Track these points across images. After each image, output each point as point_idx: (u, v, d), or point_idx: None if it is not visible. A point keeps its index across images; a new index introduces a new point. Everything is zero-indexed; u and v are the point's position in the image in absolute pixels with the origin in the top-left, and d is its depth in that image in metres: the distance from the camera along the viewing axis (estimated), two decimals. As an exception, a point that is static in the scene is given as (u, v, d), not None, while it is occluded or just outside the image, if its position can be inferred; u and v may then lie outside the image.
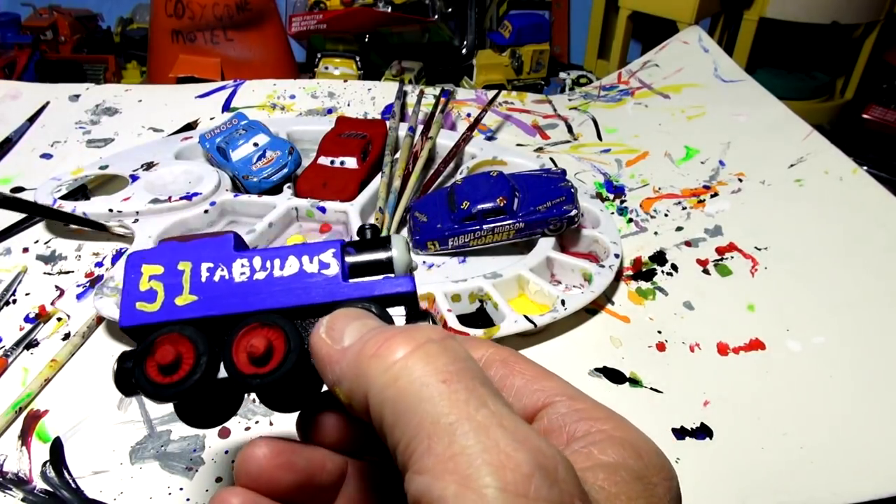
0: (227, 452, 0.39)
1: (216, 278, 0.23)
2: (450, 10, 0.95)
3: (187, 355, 0.22)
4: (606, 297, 0.51)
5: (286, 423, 0.40)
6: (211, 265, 0.23)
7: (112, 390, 0.30)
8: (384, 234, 0.54)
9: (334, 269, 0.23)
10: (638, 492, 0.18)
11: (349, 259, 0.23)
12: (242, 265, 0.23)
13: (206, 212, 0.56)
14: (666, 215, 0.61)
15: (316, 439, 0.23)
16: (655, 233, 0.58)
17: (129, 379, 0.22)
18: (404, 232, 0.55)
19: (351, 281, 0.23)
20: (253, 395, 0.34)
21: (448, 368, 0.17)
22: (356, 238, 0.25)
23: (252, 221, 0.56)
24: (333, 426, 0.23)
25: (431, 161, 0.66)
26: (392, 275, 0.23)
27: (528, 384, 0.22)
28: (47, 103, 0.74)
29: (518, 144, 0.73)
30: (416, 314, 0.23)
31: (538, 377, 0.22)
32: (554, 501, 0.15)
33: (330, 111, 0.76)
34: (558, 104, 0.82)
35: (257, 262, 0.23)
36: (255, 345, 0.21)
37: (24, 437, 0.40)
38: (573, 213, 0.52)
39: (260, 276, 0.23)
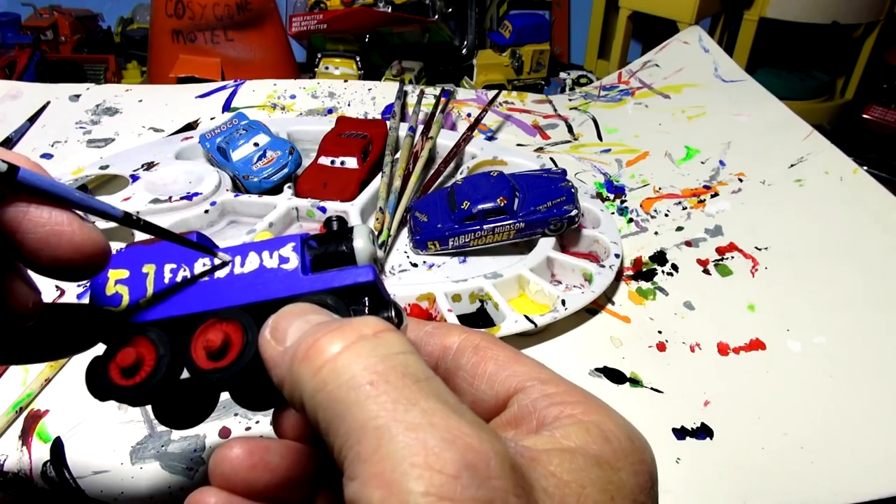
0: (227, 452, 0.39)
1: (178, 279, 0.23)
2: (450, 10, 0.95)
3: (148, 357, 0.22)
4: (607, 297, 0.51)
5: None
6: (174, 266, 0.23)
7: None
8: (383, 237, 0.54)
9: (294, 262, 0.22)
10: (593, 478, 0.17)
11: (312, 252, 0.23)
12: (204, 264, 0.23)
13: (206, 212, 0.56)
14: (666, 215, 0.61)
15: (290, 435, 0.23)
16: (656, 233, 0.58)
17: (99, 383, 0.22)
18: (371, 222, 0.54)
19: (311, 274, 0.22)
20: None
21: (377, 368, 0.16)
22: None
23: (252, 221, 0.56)
24: (304, 421, 0.23)
25: (432, 161, 0.66)
26: (356, 265, 0.23)
27: (500, 370, 0.21)
28: (48, 103, 0.74)
29: (518, 144, 0.73)
30: (379, 305, 0.22)
31: (510, 362, 0.21)
32: (483, 500, 0.15)
33: (330, 111, 0.76)
34: (558, 104, 0.82)
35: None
36: (211, 339, 0.21)
37: (25, 437, 0.40)
38: (573, 213, 0.52)
39: (221, 274, 0.23)
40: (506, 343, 0.23)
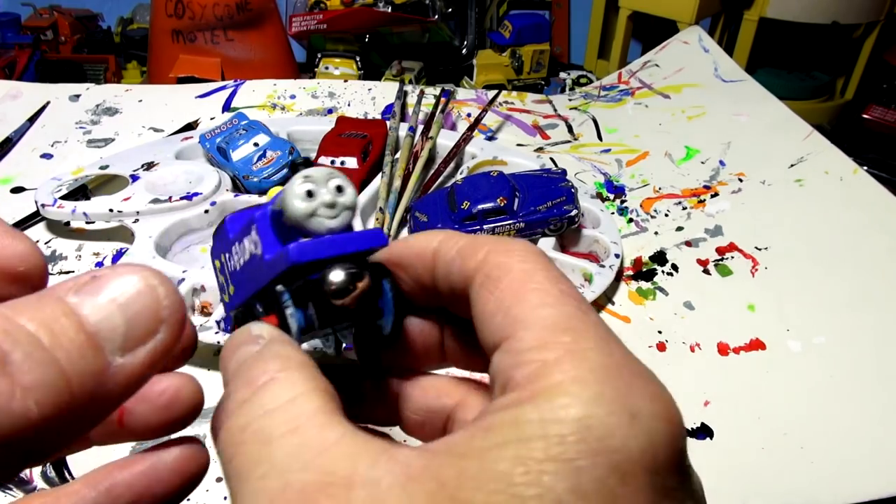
0: (227, 452, 0.39)
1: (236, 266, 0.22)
2: (450, 10, 0.95)
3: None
4: (607, 297, 0.51)
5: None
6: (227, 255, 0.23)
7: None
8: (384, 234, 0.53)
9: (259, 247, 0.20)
10: (589, 471, 0.13)
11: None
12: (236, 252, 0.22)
13: (206, 212, 0.55)
14: (666, 215, 0.61)
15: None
16: (656, 233, 0.58)
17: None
18: (371, 222, 0.54)
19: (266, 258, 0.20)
20: None
21: (237, 439, 0.16)
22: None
23: (252, 221, 0.56)
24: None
25: (432, 161, 0.66)
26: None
27: (496, 312, 0.17)
28: (47, 103, 0.74)
29: (518, 144, 0.73)
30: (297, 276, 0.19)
31: (511, 297, 0.17)
32: None
33: (330, 111, 0.76)
34: (558, 104, 0.82)
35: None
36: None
37: (25, 437, 0.40)
38: (573, 213, 0.52)
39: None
40: (536, 261, 0.18)
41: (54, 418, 0.13)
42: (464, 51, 0.99)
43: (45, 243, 0.55)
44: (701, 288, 0.52)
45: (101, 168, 0.60)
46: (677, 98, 0.78)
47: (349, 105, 0.77)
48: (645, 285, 0.53)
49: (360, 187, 0.59)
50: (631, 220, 0.60)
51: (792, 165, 0.64)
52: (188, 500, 0.36)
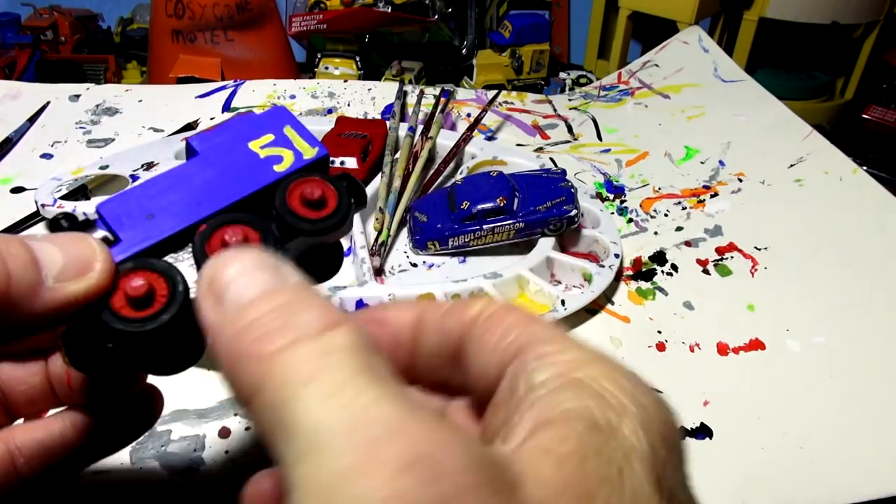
0: (227, 452, 0.39)
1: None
2: (450, 10, 0.95)
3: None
4: (606, 297, 0.51)
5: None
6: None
7: (112, 390, 0.30)
8: (383, 237, 0.53)
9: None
10: (593, 446, 0.15)
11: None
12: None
13: (206, 212, 0.55)
14: (666, 215, 0.61)
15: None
16: (655, 233, 0.58)
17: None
18: (371, 222, 0.54)
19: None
20: None
21: (317, 364, 0.15)
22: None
23: (252, 221, 0.56)
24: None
25: (431, 161, 0.66)
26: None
27: (505, 336, 0.18)
28: (47, 103, 0.74)
29: (518, 144, 0.73)
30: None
31: (519, 325, 0.18)
32: (444, 498, 0.12)
33: (330, 111, 0.76)
34: (558, 104, 0.82)
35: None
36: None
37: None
38: (573, 213, 0.52)
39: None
40: (529, 311, 0.20)
41: None
42: (464, 51, 0.99)
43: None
44: (700, 288, 0.52)
45: (101, 168, 0.60)
46: (677, 98, 0.78)
47: (349, 105, 0.77)
48: (644, 285, 0.53)
49: (360, 187, 0.59)
50: (630, 220, 0.60)
51: (792, 165, 0.64)
52: (188, 499, 0.36)
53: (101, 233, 0.21)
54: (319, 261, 0.24)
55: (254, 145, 0.22)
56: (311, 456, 0.13)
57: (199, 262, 0.20)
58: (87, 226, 0.21)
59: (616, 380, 0.16)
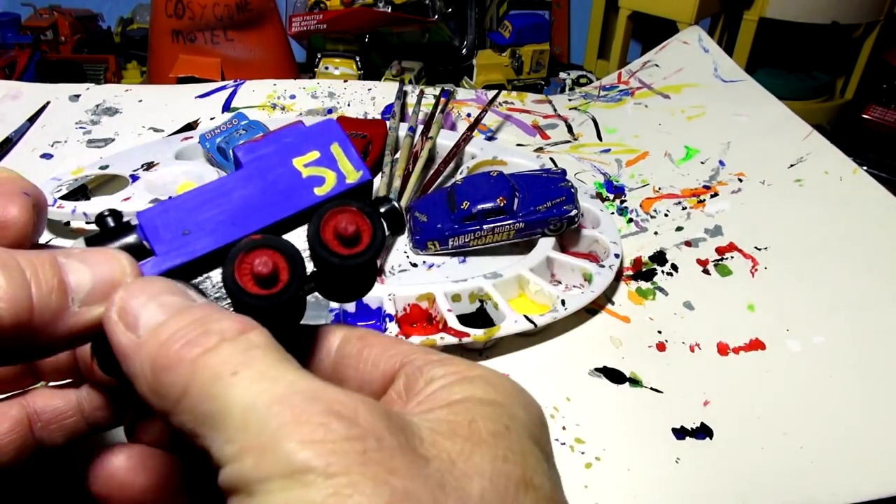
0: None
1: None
2: (450, 10, 0.95)
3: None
4: (606, 297, 0.51)
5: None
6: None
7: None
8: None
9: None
10: (483, 413, 0.18)
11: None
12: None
13: (206, 212, 0.55)
14: (666, 215, 0.61)
15: (147, 442, 0.23)
16: (655, 233, 0.58)
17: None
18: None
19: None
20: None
21: (238, 359, 0.17)
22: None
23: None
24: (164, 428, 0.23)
25: (431, 161, 0.66)
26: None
27: (384, 351, 0.22)
28: (47, 103, 0.74)
29: (518, 144, 0.73)
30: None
31: (394, 344, 0.22)
32: (355, 437, 0.15)
33: (330, 111, 0.76)
34: (558, 104, 0.82)
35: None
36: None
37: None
38: (573, 213, 0.52)
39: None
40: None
41: (14, 326, 0.17)
42: (464, 51, 0.99)
43: (46, 243, 0.55)
44: (701, 288, 0.52)
45: (101, 168, 0.60)
46: (677, 98, 0.78)
47: (349, 105, 0.77)
48: (645, 285, 0.53)
49: (360, 187, 0.59)
50: (631, 220, 0.60)
51: (792, 165, 0.64)
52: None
53: (135, 237, 0.21)
54: (351, 280, 0.24)
55: (298, 162, 0.22)
56: (245, 429, 0.15)
57: (230, 287, 0.20)
58: (128, 229, 0.21)
59: (500, 379, 0.19)
